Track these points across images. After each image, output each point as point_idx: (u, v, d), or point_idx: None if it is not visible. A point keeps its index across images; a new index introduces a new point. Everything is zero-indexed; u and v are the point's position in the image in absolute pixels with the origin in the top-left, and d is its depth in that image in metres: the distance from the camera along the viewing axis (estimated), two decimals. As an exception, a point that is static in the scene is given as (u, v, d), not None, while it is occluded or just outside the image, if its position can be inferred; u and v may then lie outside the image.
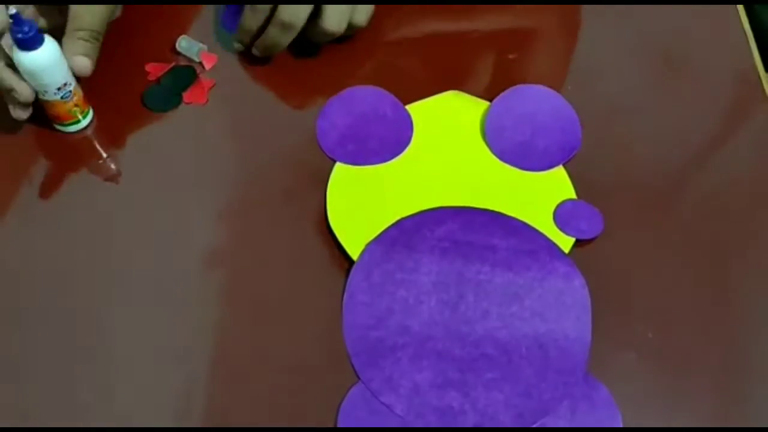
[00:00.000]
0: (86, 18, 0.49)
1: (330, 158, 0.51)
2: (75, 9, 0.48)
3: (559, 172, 0.50)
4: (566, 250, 0.47)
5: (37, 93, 0.48)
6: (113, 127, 0.52)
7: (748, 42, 0.57)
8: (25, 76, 0.47)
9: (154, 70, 0.54)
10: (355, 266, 0.46)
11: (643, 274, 0.47)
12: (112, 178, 0.50)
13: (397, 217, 0.48)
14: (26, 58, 0.46)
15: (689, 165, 0.52)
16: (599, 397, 0.42)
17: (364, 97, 0.53)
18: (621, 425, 0.42)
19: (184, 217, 0.49)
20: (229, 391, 0.43)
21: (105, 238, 0.48)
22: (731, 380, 0.44)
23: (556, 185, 0.50)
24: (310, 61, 0.55)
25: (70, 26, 0.49)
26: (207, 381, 0.43)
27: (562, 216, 0.48)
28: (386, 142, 0.51)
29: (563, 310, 0.45)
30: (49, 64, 0.47)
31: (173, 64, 0.54)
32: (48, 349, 0.44)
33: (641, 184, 0.51)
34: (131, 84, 0.53)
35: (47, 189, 0.50)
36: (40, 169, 0.50)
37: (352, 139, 0.51)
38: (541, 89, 0.53)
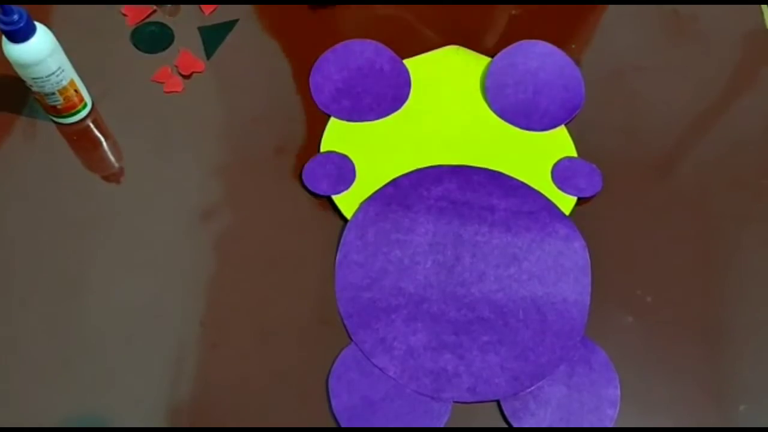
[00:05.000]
0: None
1: (324, 113, 0.49)
2: None
3: (561, 132, 0.49)
4: (567, 212, 0.46)
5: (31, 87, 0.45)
6: (98, 76, 0.50)
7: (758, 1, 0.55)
8: (18, 70, 0.44)
9: (133, 13, 0.52)
10: (348, 225, 0.45)
11: (644, 237, 0.46)
12: (105, 135, 0.49)
13: (393, 176, 0.47)
14: (18, 51, 0.42)
15: (694, 126, 0.51)
16: (597, 360, 0.42)
17: (361, 51, 0.51)
18: (618, 389, 0.41)
19: (178, 174, 0.47)
20: (219, 351, 0.42)
21: (104, 197, 0.47)
22: (728, 346, 0.43)
23: (558, 145, 0.48)
24: (305, 13, 0.53)
25: None
26: (198, 339, 0.42)
27: (560, 173, 0.47)
28: (382, 97, 0.49)
29: (562, 272, 0.44)
30: (43, 55, 0.43)
31: (152, 9, 0.52)
32: (47, 311, 0.43)
33: (645, 145, 0.49)
34: (111, 29, 0.51)
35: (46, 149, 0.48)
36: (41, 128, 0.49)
37: (347, 95, 0.49)
38: (545, 46, 0.51)
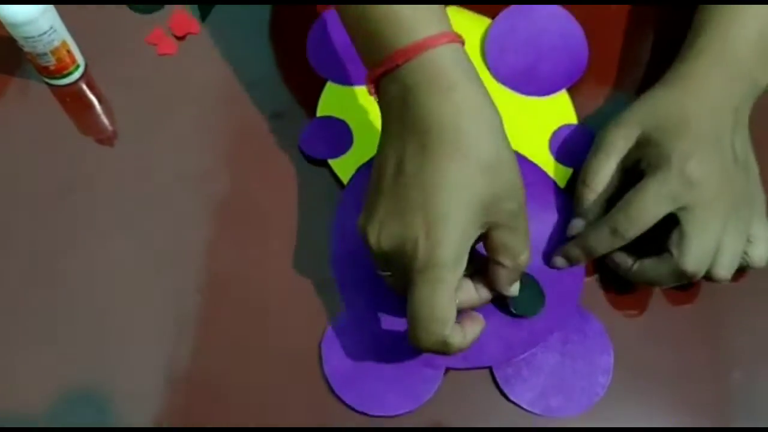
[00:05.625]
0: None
1: (321, 77, 0.48)
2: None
3: (562, 98, 0.48)
4: (562, 184, 0.45)
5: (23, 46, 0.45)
6: (90, 37, 0.49)
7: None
8: (9, 29, 0.43)
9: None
10: (345, 191, 0.45)
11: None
12: (99, 98, 0.48)
13: (390, 141, 0.46)
14: (9, 9, 0.42)
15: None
16: (591, 328, 0.42)
17: (358, 12, 0.50)
18: (612, 357, 0.41)
19: (173, 138, 0.47)
20: (214, 316, 0.42)
21: (98, 160, 0.46)
22: (723, 313, 0.42)
23: (558, 111, 0.47)
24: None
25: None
26: (194, 303, 0.42)
27: (558, 142, 0.46)
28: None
29: (558, 242, 0.43)
30: (35, 15, 0.42)
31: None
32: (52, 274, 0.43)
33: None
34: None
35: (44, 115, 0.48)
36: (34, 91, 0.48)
37: (344, 57, 0.48)
38: (549, 7, 0.50)
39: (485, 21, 0.50)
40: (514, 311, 0.41)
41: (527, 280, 0.41)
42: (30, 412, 0.40)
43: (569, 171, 0.45)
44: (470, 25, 0.50)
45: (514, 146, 0.45)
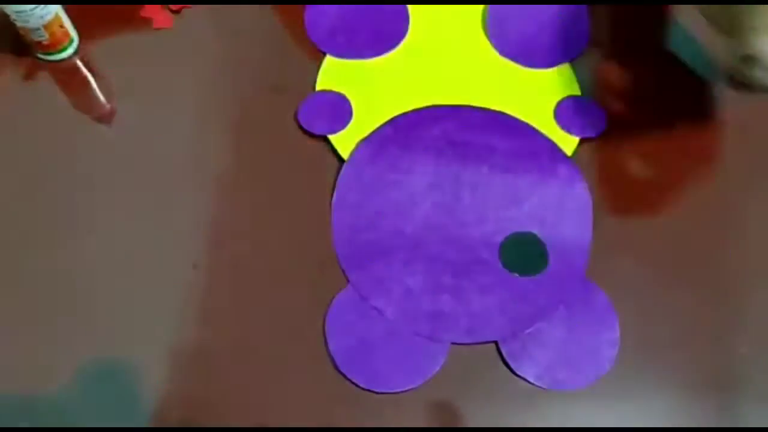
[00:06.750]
0: None
1: (320, 51, 0.47)
2: None
3: (565, 70, 0.47)
4: (569, 153, 0.44)
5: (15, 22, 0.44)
6: (84, 11, 0.48)
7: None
8: (1, 5, 0.42)
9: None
10: (344, 166, 0.44)
11: (648, 178, 0.45)
12: (95, 74, 0.47)
13: (391, 115, 0.45)
14: None
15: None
16: (597, 302, 0.41)
17: (358, -15, 0.49)
18: (618, 331, 0.41)
19: (170, 114, 0.46)
20: (215, 293, 0.41)
21: (96, 138, 0.46)
22: (729, 288, 0.42)
23: (561, 83, 0.47)
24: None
25: None
26: (194, 281, 0.42)
27: (563, 112, 0.45)
28: (380, 33, 0.48)
29: (563, 214, 0.43)
30: None
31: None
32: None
33: (651, 84, 0.48)
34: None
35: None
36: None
37: (343, 31, 0.48)
38: (549, -21, 0.49)
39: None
40: (515, 272, 0.41)
41: (531, 238, 0.40)
42: (43, 388, 0.39)
43: (575, 140, 0.45)
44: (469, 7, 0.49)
45: (522, 116, 0.45)
